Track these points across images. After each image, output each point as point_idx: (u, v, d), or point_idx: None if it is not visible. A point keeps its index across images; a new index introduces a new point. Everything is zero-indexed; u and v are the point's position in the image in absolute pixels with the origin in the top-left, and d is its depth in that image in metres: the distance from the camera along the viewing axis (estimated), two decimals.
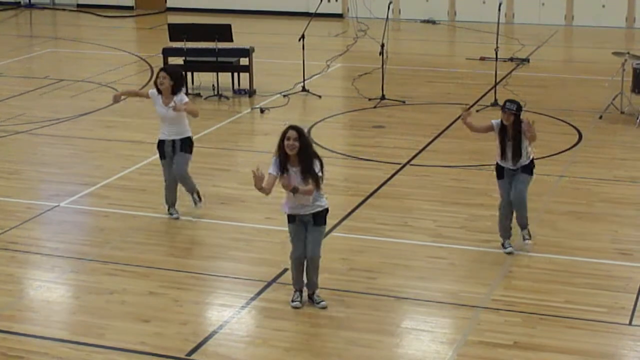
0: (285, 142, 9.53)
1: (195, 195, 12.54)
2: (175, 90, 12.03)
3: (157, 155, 12.45)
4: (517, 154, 11.02)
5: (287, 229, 9.88)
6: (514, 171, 11.15)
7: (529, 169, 11.17)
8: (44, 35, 27.18)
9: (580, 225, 12.05)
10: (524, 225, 11.33)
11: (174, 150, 12.20)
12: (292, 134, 9.53)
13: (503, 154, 11.09)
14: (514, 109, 10.89)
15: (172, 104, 11.94)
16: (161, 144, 12.27)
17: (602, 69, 20.37)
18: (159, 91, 12.07)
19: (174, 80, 12.03)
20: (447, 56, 24.68)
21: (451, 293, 10.23)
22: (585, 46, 25.06)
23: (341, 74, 21.39)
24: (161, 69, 12.23)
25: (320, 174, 9.59)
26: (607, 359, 8.95)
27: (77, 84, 20.21)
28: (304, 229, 9.79)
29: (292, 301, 9.94)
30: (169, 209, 12.52)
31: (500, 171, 11.25)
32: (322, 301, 9.92)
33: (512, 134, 10.98)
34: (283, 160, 9.61)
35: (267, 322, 9.66)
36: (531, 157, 11.18)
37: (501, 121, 11.04)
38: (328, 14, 27.25)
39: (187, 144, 12.22)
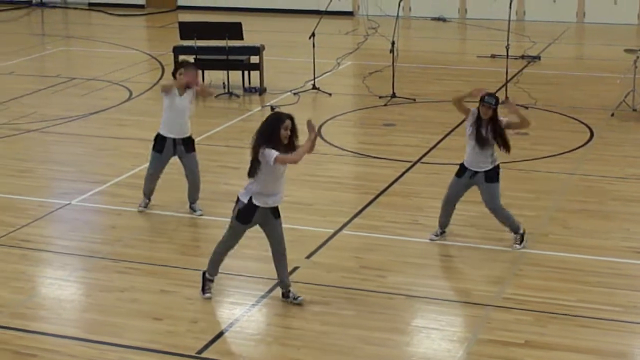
0: (283, 132, 9.50)
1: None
2: None
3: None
4: (486, 143, 10.80)
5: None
6: (474, 173, 10.99)
7: (493, 175, 10.98)
8: (56, 34, 27.23)
9: (592, 224, 12.01)
10: (513, 231, 11.23)
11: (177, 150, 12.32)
12: (289, 124, 9.47)
13: (476, 145, 10.83)
14: (492, 103, 10.65)
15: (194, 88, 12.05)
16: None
17: (613, 67, 20.33)
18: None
19: None
20: (457, 54, 24.65)
21: (462, 291, 10.22)
22: (597, 43, 25.02)
23: (351, 72, 21.38)
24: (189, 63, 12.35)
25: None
26: (619, 358, 8.93)
27: (89, 83, 20.25)
28: None
29: None
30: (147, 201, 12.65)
31: (462, 169, 11.07)
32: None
33: (489, 127, 10.72)
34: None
35: (278, 320, 9.66)
36: (497, 162, 10.98)
37: (478, 112, 10.79)
38: (338, 11, 27.21)
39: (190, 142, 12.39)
